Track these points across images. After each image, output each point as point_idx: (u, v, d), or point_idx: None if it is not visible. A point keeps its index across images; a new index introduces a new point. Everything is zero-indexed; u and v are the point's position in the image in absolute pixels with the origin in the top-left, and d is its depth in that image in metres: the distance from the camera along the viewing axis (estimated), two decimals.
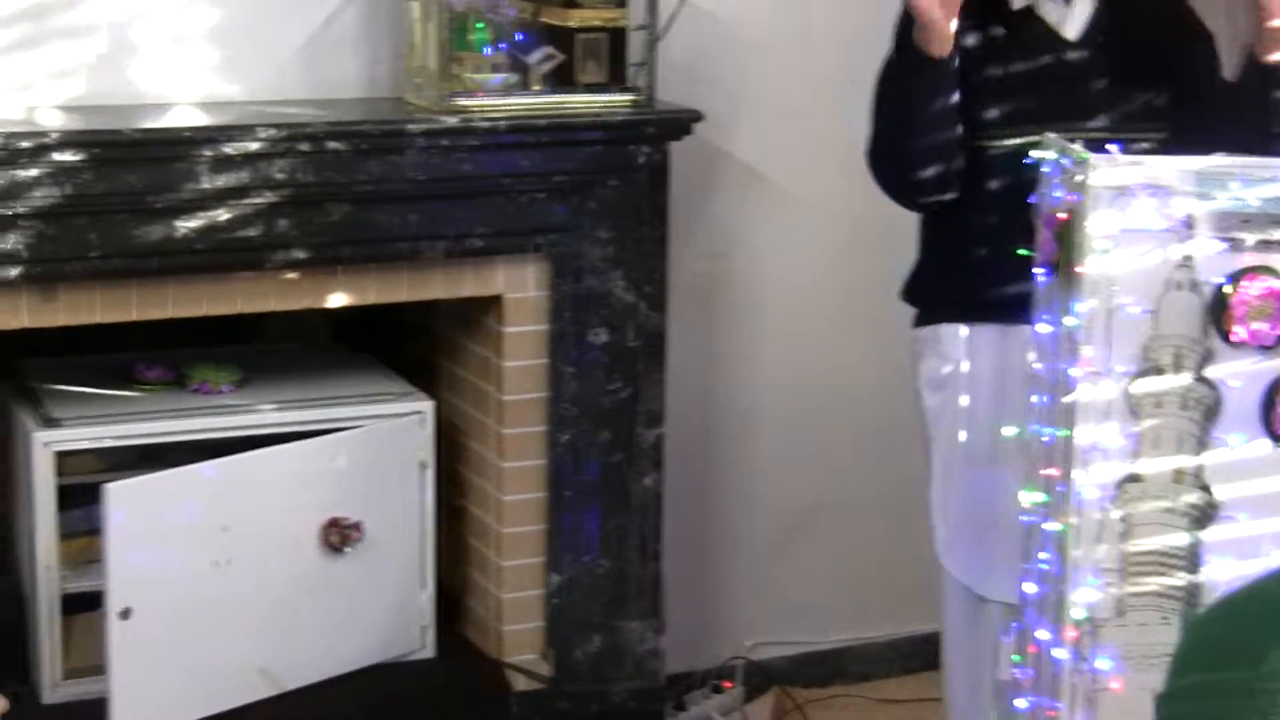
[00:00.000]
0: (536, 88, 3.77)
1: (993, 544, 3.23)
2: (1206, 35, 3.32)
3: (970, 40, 3.23)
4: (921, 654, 4.37)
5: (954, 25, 3.10)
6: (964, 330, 3.33)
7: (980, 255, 3.22)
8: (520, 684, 3.97)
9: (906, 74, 3.20)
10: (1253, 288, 2.77)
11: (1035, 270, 2.94)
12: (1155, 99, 3.24)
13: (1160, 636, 2.84)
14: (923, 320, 3.40)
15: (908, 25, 3.19)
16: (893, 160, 3.28)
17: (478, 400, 3.98)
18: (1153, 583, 2.87)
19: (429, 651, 3.97)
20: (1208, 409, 2.84)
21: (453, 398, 4.07)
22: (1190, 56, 3.30)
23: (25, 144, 3.37)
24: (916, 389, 3.43)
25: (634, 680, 4.04)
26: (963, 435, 3.34)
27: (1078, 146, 2.84)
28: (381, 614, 3.89)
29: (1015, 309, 3.06)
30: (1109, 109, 3.21)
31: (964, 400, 3.33)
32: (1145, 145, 3.12)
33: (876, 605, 4.49)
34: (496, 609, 4.00)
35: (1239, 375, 2.82)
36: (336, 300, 3.74)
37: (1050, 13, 3.25)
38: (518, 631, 3.99)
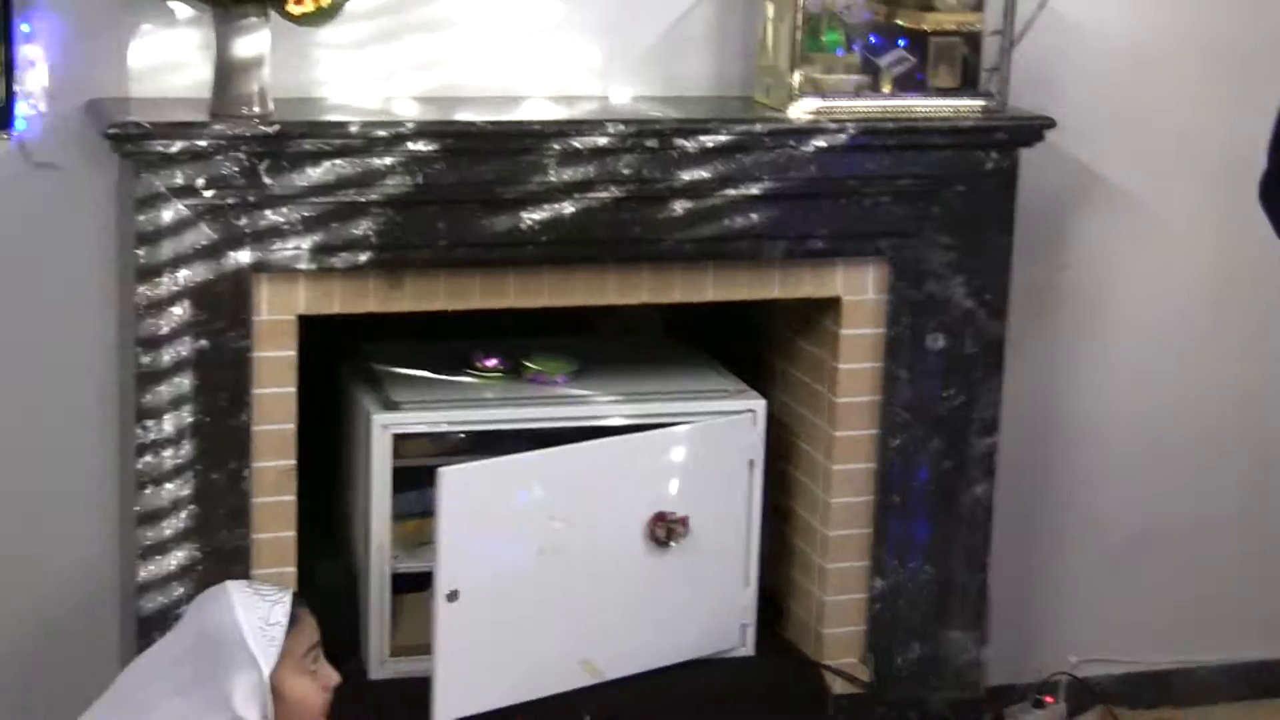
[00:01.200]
0: (887, 90, 3.74)
1: None
2: None
3: None
4: (1254, 681, 4.27)
5: None
6: None
7: None
8: (838, 687, 3.96)
9: None
10: None
11: None
12: None
13: None
14: None
15: None
16: None
17: (810, 401, 3.97)
18: None
19: (749, 650, 3.98)
20: None
21: (784, 398, 4.06)
22: None
23: (381, 133, 3.45)
24: None
25: (954, 690, 4.00)
26: None
27: None
28: (703, 610, 3.91)
29: None
30: None
31: None
32: None
33: (1209, 629, 4.38)
34: (818, 611, 3.98)
35: None
36: (674, 296, 3.75)
37: None
38: (838, 635, 3.97)
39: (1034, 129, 3.78)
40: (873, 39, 3.77)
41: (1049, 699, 4.19)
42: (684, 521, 3.81)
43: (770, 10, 3.71)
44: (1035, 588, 4.30)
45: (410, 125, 3.47)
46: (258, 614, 2.85)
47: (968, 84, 3.78)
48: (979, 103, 3.75)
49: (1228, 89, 4.14)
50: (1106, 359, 4.25)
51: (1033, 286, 4.10)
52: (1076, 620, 4.33)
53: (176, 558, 3.53)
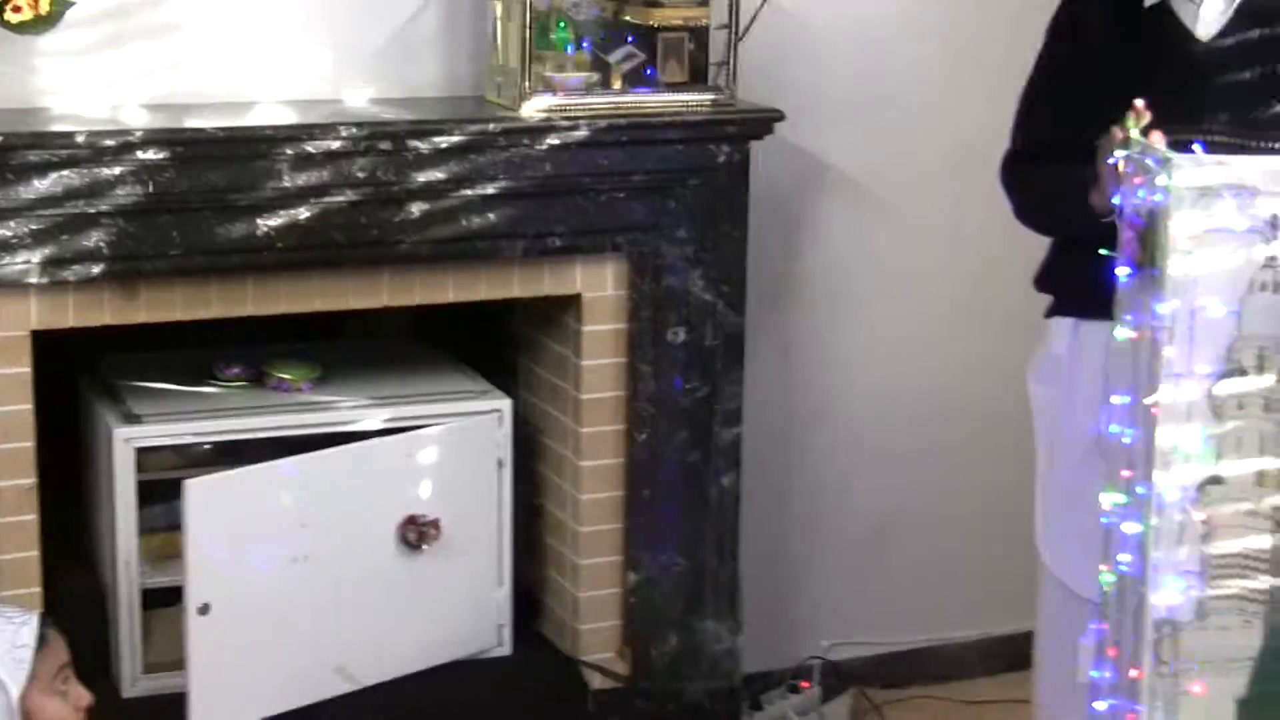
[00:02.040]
0: (617, 86, 3.77)
1: (1090, 541, 3.18)
2: None
3: (1099, 36, 3.20)
4: (1002, 655, 4.36)
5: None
6: (1071, 323, 3.31)
7: (1091, 251, 3.15)
8: (597, 682, 3.98)
9: (1059, 196, 3.19)
10: None
11: (1119, 270, 2.91)
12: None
13: (1242, 640, 2.80)
14: (1052, 310, 3.38)
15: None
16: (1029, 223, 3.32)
17: (556, 399, 3.99)
18: (1234, 585, 2.84)
19: (506, 649, 3.99)
20: None
21: (531, 396, 4.08)
22: None
23: (109, 142, 3.40)
24: (1026, 377, 3.43)
25: (711, 680, 4.03)
26: (1063, 429, 3.31)
27: (1160, 146, 2.81)
28: (459, 612, 3.91)
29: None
30: (1231, 112, 3.12)
31: (1064, 394, 3.31)
32: (1271, 152, 3.06)
33: (956, 606, 4.48)
34: (574, 607, 4.00)
35: None
36: (416, 298, 3.75)
37: (1183, 11, 3.20)
38: (595, 630, 4.00)
39: (763, 121, 3.83)
40: (602, 36, 3.80)
41: (804, 684, 4.25)
42: (435, 524, 3.81)
43: (499, 9, 3.72)
44: (786, 575, 4.36)
45: (139, 133, 3.43)
46: (4, 636, 2.80)
47: (697, 79, 3.82)
48: (709, 97, 3.79)
49: (955, 76, 4.25)
50: (844, 345, 4.33)
51: (770, 277, 4.16)
52: (828, 605, 4.40)
53: None
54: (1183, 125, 2.99)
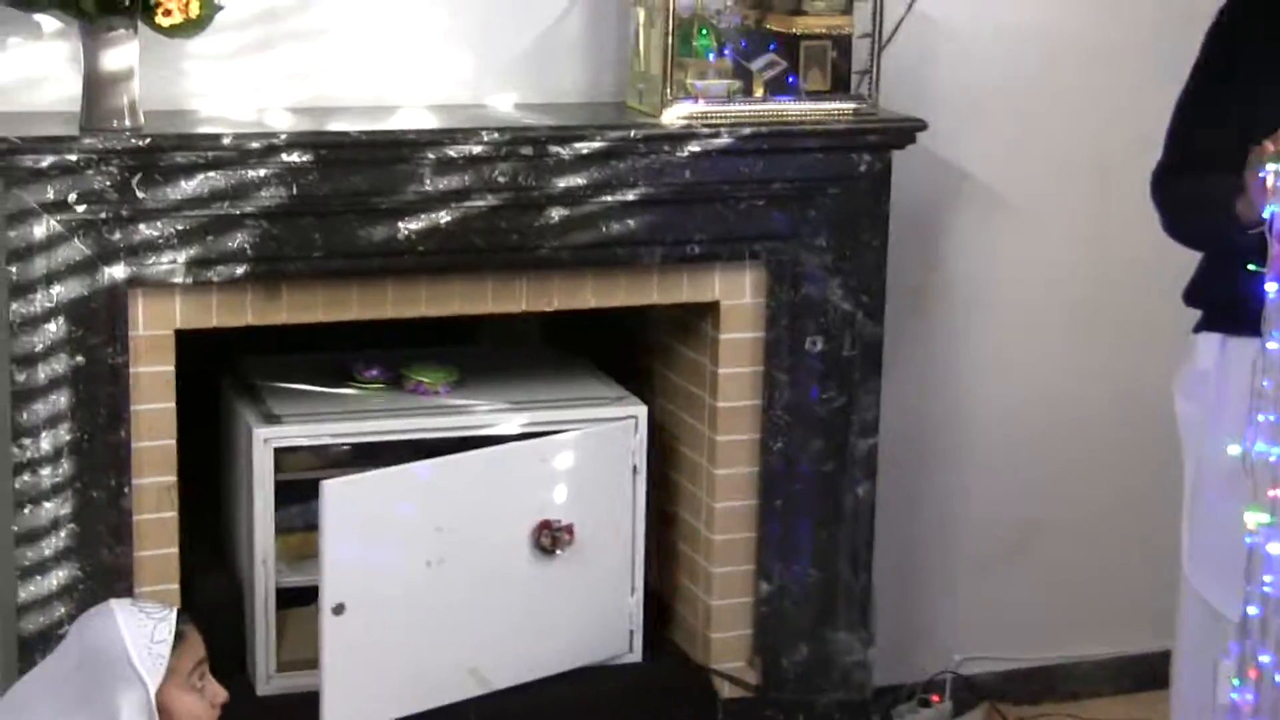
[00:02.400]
0: (759, 94, 3.77)
1: (1235, 561, 3.13)
2: None
3: (1258, 43, 3.15)
4: (1134, 674, 4.32)
5: None
6: (1220, 340, 3.27)
7: (1241, 266, 3.07)
8: (726, 691, 3.97)
9: (1206, 207, 3.16)
10: None
11: (1267, 285, 2.87)
12: None
13: None
14: (1196, 326, 3.35)
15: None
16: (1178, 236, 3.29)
17: (691, 406, 3.99)
18: None
19: (636, 655, 3.99)
20: None
21: (666, 403, 4.07)
22: None
23: (255, 145, 3.44)
24: (1173, 393, 3.40)
25: (841, 691, 4.02)
26: (1210, 447, 3.27)
27: None
28: (590, 617, 3.92)
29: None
30: None
31: (1212, 411, 3.28)
32: None
33: (1090, 624, 4.43)
34: (705, 615, 4.00)
35: None
36: (554, 303, 3.76)
37: None
38: (725, 638, 3.99)
39: (906, 131, 3.81)
40: (744, 44, 3.79)
41: (935, 698, 4.23)
42: (569, 529, 3.81)
43: (642, 16, 3.74)
44: (919, 587, 4.34)
45: (284, 136, 3.46)
46: (142, 632, 2.83)
47: (839, 87, 3.81)
48: (851, 105, 3.79)
49: (1096, 85, 4.20)
50: (982, 356, 4.29)
51: (908, 287, 4.13)
52: (961, 619, 4.37)
53: (57, 577, 3.50)
54: None
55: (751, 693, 3.97)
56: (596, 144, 3.61)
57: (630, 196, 3.66)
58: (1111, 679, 4.43)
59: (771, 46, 3.79)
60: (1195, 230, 3.26)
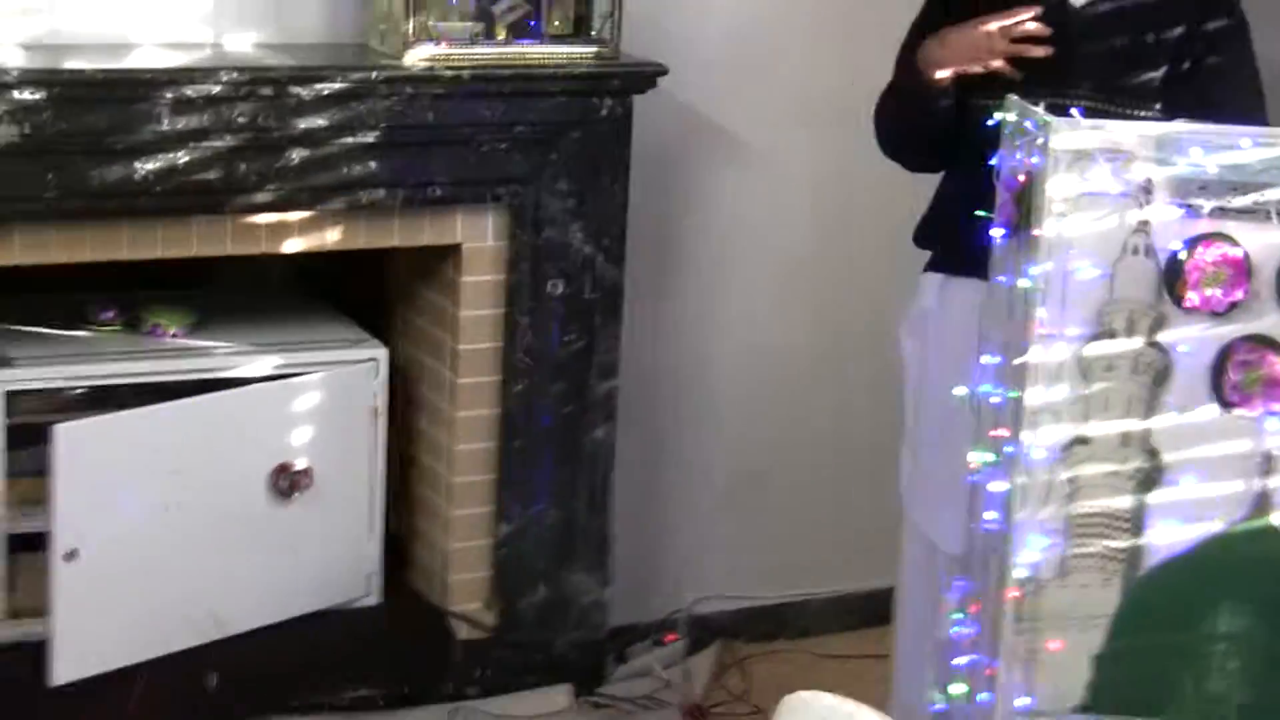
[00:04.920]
0: (501, 37, 3.77)
1: (955, 497, 3.22)
2: (1236, 24, 3.28)
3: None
4: (862, 611, 4.40)
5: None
6: (941, 280, 3.36)
7: (962, 209, 3.17)
8: (464, 632, 4.00)
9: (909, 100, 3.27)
10: (1208, 254, 2.78)
11: (993, 231, 2.96)
12: (1153, 76, 3.21)
13: (1102, 598, 2.85)
14: (930, 265, 3.43)
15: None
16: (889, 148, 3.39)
17: (432, 349, 3.99)
18: (1096, 545, 2.88)
19: (375, 598, 3.99)
20: (1158, 374, 2.85)
21: (408, 346, 4.07)
22: (1211, 38, 3.25)
23: None
24: (898, 328, 3.48)
25: (578, 631, 4.07)
26: (930, 385, 3.36)
27: (1039, 109, 2.86)
28: (329, 560, 3.91)
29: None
30: (1099, 78, 3.18)
31: (933, 350, 3.37)
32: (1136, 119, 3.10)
33: (820, 561, 4.51)
34: (443, 558, 4.01)
35: (1190, 341, 2.83)
36: (293, 246, 3.74)
37: None
38: (464, 581, 4.01)
39: (646, 75, 3.84)
40: None
41: (670, 637, 4.29)
42: (308, 473, 3.81)
43: None
44: (655, 529, 4.39)
45: (14, 73, 3.38)
46: None
47: (582, 31, 3.83)
48: (592, 49, 3.80)
49: (835, 31, 4.26)
50: (722, 301, 4.34)
51: (651, 232, 4.16)
52: (695, 560, 4.42)
53: None
54: (1051, 88, 3.04)
55: (488, 634, 4.00)
56: (337, 85, 3.59)
57: (371, 139, 3.64)
58: (841, 615, 4.51)
59: None
60: (898, 126, 3.34)
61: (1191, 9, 3.23)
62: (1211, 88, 3.19)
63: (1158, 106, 3.16)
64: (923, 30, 3.32)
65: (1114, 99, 3.14)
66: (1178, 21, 3.22)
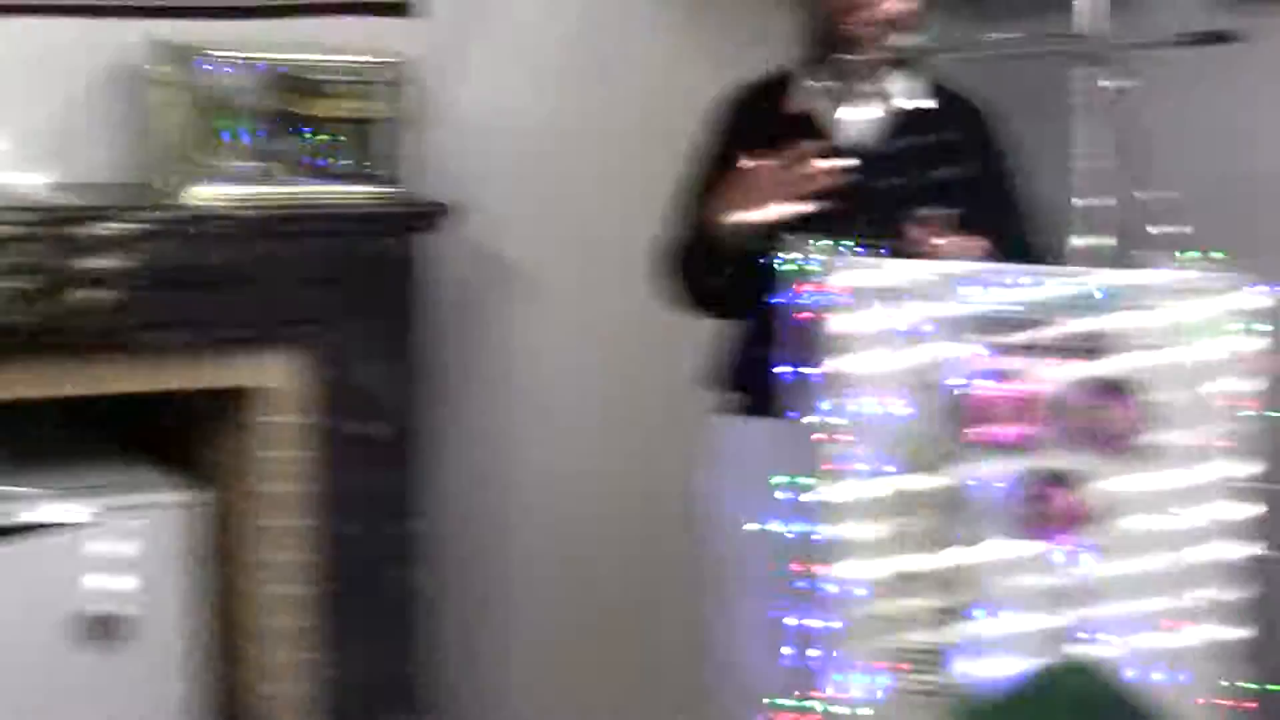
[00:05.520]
0: (286, 176, 3.71)
1: (767, 636, 3.17)
2: (1003, 170, 3.34)
3: (752, 138, 3.21)
4: None
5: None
6: (733, 422, 3.34)
7: (748, 351, 3.22)
8: None
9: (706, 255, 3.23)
10: (992, 390, 2.80)
11: (785, 370, 2.93)
12: (932, 213, 3.15)
13: None
14: (719, 409, 3.40)
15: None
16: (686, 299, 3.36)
17: (237, 492, 3.89)
18: (911, 680, 2.86)
19: None
20: (955, 508, 2.84)
21: (212, 489, 3.95)
22: (983, 183, 3.30)
23: None
24: (691, 477, 3.44)
25: None
26: (728, 523, 3.30)
27: (822, 246, 2.84)
28: (143, 711, 3.77)
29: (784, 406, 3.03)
30: (879, 218, 3.12)
31: (731, 491, 3.32)
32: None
33: (645, 704, 4.39)
34: (263, 707, 3.89)
35: (981, 476, 2.83)
36: (88, 387, 3.62)
37: (825, 120, 3.25)
38: None
39: (430, 214, 3.80)
40: (270, 126, 3.71)
41: None
42: (120, 621, 3.68)
43: (164, 97, 3.65)
44: (477, 670, 4.30)
45: None
46: None
47: (366, 170, 3.76)
48: (378, 188, 3.75)
49: (614, 169, 4.24)
50: (519, 445, 4.29)
51: (449, 372, 4.11)
52: (520, 701, 4.35)
53: None
54: (833, 230, 3.00)
55: None
56: (124, 225, 3.49)
57: (157, 280, 3.54)
58: None
59: (299, 129, 3.73)
60: (691, 279, 3.30)
61: (966, 146, 3.26)
62: (990, 220, 3.17)
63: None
64: (702, 170, 3.32)
65: (893, 237, 3.11)
66: (954, 160, 3.25)
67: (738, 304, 3.25)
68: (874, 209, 3.15)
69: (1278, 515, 2.83)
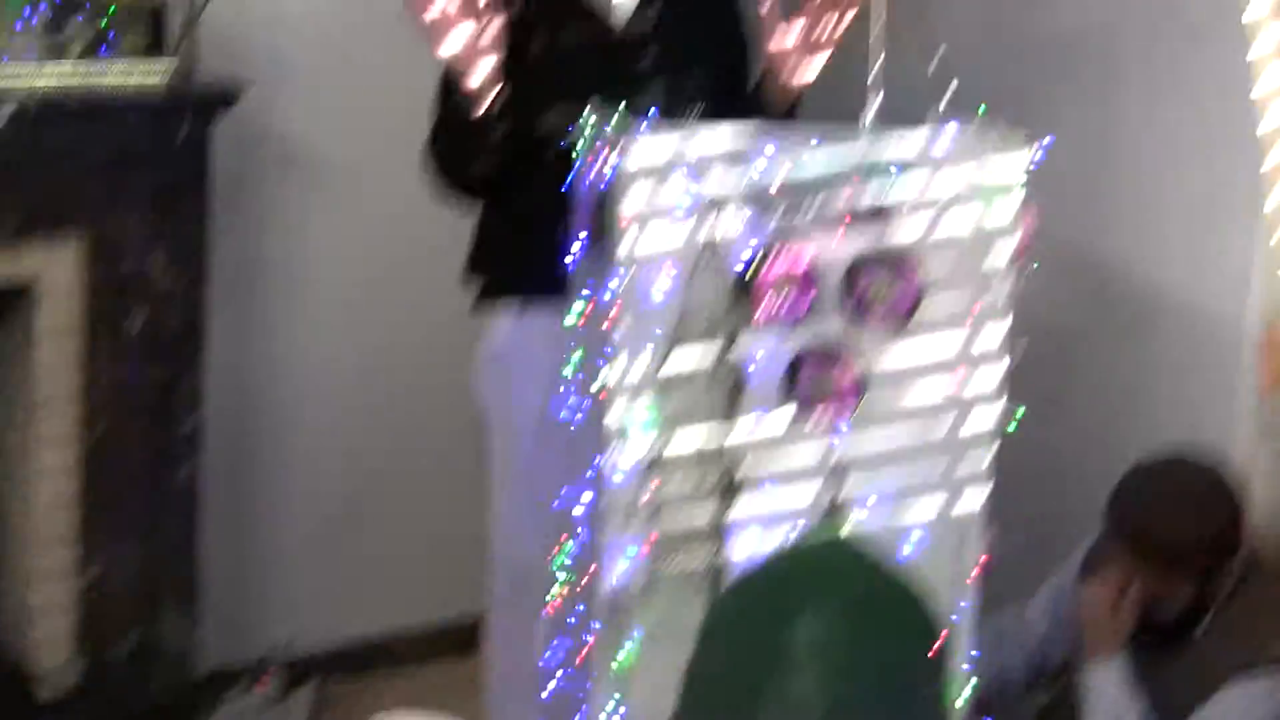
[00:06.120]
0: (71, 58, 3.62)
1: (544, 524, 3.19)
2: (744, 43, 3.42)
3: (528, 21, 3.23)
4: (455, 639, 4.34)
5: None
6: (516, 310, 3.33)
7: (528, 235, 3.21)
8: (47, 692, 3.81)
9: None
10: (777, 265, 2.80)
11: (571, 249, 2.95)
12: (698, 89, 3.25)
13: (690, 612, 2.82)
14: (480, 301, 3.40)
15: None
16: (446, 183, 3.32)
17: (9, 390, 3.81)
18: (681, 559, 2.88)
19: None
20: (734, 385, 2.86)
21: None
22: (729, 57, 3.39)
23: None
24: (473, 370, 3.43)
25: (169, 678, 3.92)
26: (513, 412, 3.34)
27: (614, 121, 2.86)
28: None
29: (563, 289, 3.05)
30: (659, 90, 3.20)
31: (516, 380, 3.34)
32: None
33: (415, 594, 4.46)
34: (22, 612, 3.83)
35: (763, 350, 2.84)
36: None
37: (594, 2, 3.29)
38: (46, 635, 3.83)
39: (223, 96, 3.75)
40: (55, 4, 3.63)
41: (264, 679, 4.19)
42: None
43: None
44: (251, 568, 4.28)
45: None
46: None
47: (155, 51, 3.70)
48: (168, 70, 3.68)
49: (393, 49, 4.22)
50: (308, 329, 4.26)
51: (234, 259, 4.04)
52: (291, 597, 4.33)
53: None
54: (608, 104, 3.04)
55: (73, 693, 3.82)
56: None
57: None
58: (436, 646, 4.44)
59: (85, 8, 3.64)
60: (450, 153, 3.25)
61: (715, 28, 3.37)
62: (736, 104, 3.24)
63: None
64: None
65: (676, 108, 3.16)
66: (708, 35, 3.35)
67: (507, 187, 3.25)
68: (655, 82, 3.22)
69: (1021, 376, 2.90)
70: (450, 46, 3.04)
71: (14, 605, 3.84)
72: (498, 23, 3.07)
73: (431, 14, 3.01)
